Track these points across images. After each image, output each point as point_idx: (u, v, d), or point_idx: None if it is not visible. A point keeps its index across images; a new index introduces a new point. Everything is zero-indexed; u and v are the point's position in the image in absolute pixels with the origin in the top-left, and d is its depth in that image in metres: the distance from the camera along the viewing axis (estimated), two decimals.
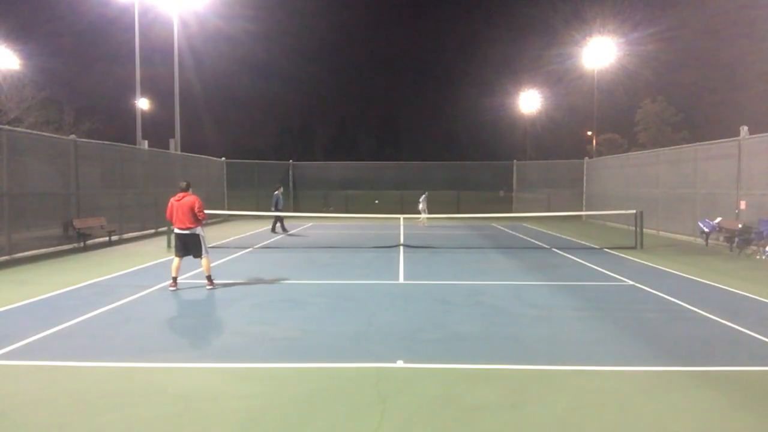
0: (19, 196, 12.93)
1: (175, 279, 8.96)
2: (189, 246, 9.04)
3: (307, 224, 22.63)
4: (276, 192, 19.38)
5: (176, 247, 9.12)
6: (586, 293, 8.88)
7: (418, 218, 22.32)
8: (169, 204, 9.04)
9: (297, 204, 30.61)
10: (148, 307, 7.82)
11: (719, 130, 30.54)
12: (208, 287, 8.98)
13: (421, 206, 22.69)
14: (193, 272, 10.09)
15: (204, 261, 9.08)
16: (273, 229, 19.62)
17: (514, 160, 32.35)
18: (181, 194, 9.01)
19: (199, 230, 9.04)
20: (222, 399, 4.49)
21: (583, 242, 16.81)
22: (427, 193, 23.36)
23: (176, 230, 9.04)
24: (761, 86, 42.83)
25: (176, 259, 9.03)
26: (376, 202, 29.69)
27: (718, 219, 15.08)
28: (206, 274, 9.08)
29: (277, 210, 19.06)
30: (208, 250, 9.36)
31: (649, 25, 51.87)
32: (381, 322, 6.92)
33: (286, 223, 21.02)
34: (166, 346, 6.03)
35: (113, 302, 7.98)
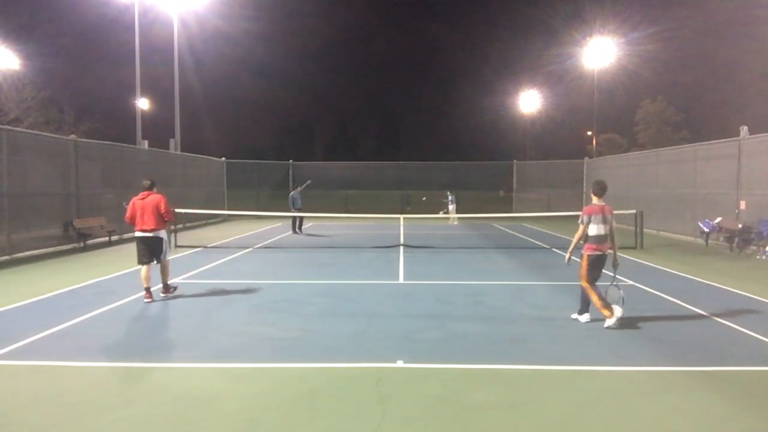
0: (19, 196, 12.93)
1: (148, 289, 8.06)
2: (153, 250, 8.18)
3: (307, 224, 22.60)
4: (293, 192, 19.39)
5: (140, 252, 8.17)
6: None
7: (448, 218, 23.15)
8: (130, 204, 8.16)
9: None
10: (148, 307, 7.81)
11: (719, 130, 30.58)
12: (162, 295, 8.27)
13: (450, 206, 23.64)
14: (193, 272, 10.08)
15: (164, 265, 8.33)
16: (294, 230, 19.56)
17: (514, 160, 32.33)
18: (144, 193, 8.17)
19: (163, 233, 8.26)
20: (222, 399, 4.49)
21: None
22: (450, 193, 24.23)
23: (138, 233, 8.17)
24: (761, 86, 42.87)
25: (144, 268, 8.11)
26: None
27: (718, 219, 15.07)
28: (163, 280, 8.35)
29: (295, 209, 19.04)
30: (168, 253, 8.64)
31: (649, 25, 52.01)
32: (381, 322, 6.92)
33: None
34: (166, 346, 6.04)
35: (113, 302, 7.98)
